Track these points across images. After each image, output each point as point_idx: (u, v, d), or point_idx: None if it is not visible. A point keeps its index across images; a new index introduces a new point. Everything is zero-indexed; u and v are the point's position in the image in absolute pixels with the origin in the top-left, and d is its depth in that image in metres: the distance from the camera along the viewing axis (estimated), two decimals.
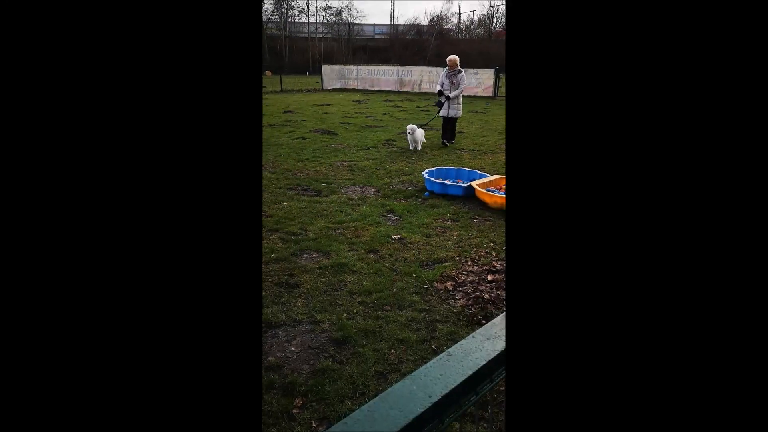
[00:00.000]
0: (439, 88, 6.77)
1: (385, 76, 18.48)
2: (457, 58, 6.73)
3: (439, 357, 0.66)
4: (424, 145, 6.54)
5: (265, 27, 43.51)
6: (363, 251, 2.99)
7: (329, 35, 45.24)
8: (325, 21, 45.71)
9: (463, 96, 6.79)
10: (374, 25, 47.90)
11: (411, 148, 6.40)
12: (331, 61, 26.73)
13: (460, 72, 6.67)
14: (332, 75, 19.52)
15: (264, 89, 18.94)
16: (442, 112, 6.69)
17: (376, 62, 29.76)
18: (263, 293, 2.43)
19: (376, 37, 46.30)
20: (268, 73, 31.48)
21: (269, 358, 1.90)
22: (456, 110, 6.77)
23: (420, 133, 6.45)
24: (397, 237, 3.24)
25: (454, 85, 6.63)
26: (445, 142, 6.77)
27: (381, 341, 2.02)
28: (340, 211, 3.76)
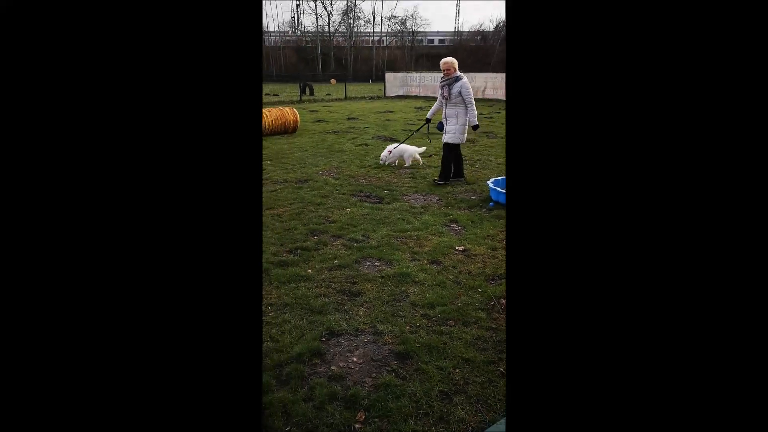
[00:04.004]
0: (428, 115, 5.13)
1: None
2: (451, 60, 4.63)
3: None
4: (487, 153, 6.32)
5: (331, 38, 45.04)
6: (425, 262, 2.92)
7: (394, 44, 45.86)
8: (389, 30, 46.46)
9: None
10: (438, 32, 47.92)
11: (402, 163, 5.66)
12: (394, 69, 27.03)
13: (458, 80, 4.55)
14: (395, 82, 19.72)
15: (329, 97, 19.53)
16: (443, 138, 4.84)
17: (439, 69, 29.67)
18: (327, 299, 2.44)
19: (439, 44, 46.24)
20: (332, 81, 32.55)
21: (332, 368, 1.88)
22: (453, 134, 4.65)
23: (404, 150, 5.59)
24: (461, 248, 3.14)
25: (449, 99, 4.62)
26: (436, 180, 4.87)
27: (445, 359, 1.94)
28: (403, 219, 3.72)
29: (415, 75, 19.97)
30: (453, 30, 48.01)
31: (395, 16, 49.44)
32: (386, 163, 5.68)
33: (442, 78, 4.71)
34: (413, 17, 55.87)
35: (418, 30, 46.05)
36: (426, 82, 18.93)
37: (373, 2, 75.74)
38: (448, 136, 4.72)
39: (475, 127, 4.72)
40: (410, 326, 2.19)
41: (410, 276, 2.71)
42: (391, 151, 5.61)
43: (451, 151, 4.80)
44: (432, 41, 47.29)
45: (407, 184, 4.88)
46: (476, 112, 4.68)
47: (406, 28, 46.08)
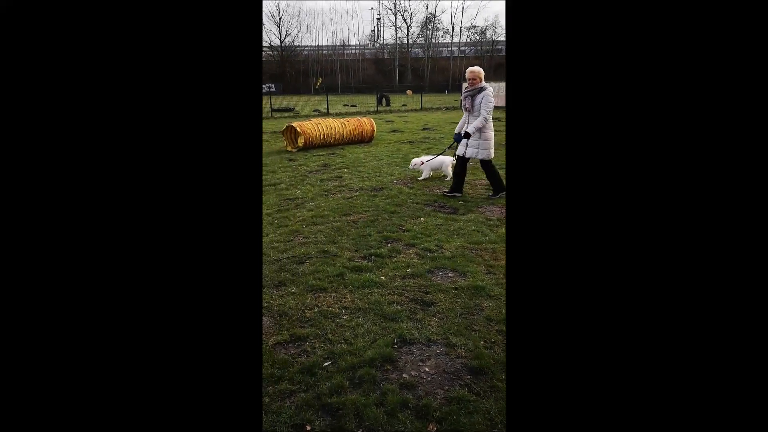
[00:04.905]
0: (457, 130, 4.64)
1: None
2: (477, 69, 4.35)
3: None
4: None
5: (409, 49, 45.72)
6: (501, 276, 2.82)
7: (471, 53, 45.45)
8: (468, 40, 46.16)
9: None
10: None
11: (444, 175, 5.48)
12: None
13: (482, 90, 4.30)
14: None
15: (404, 107, 19.77)
16: (459, 150, 4.56)
17: None
18: (400, 307, 2.45)
19: None
20: (408, 92, 32.99)
21: (404, 375, 1.88)
22: (477, 149, 4.41)
23: (441, 161, 5.39)
24: None
25: (472, 111, 4.39)
26: (446, 192, 4.75)
27: None
28: (478, 231, 3.64)
29: (494, 85, 19.58)
30: None
31: (474, 26, 49.00)
32: (421, 173, 5.56)
33: (465, 88, 4.51)
34: (494, 26, 54.91)
35: (498, 39, 45.20)
36: (503, 92, 18.51)
37: (453, 13, 75.82)
38: (471, 151, 4.46)
39: (466, 135, 4.40)
40: (485, 341, 2.13)
41: (485, 290, 2.64)
42: (423, 162, 5.47)
43: (491, 166, 4.56)
44: None
45: (482, 196, 4.78)
46: (481, 126, 4.32)
47: (485, 38, 45.49)
